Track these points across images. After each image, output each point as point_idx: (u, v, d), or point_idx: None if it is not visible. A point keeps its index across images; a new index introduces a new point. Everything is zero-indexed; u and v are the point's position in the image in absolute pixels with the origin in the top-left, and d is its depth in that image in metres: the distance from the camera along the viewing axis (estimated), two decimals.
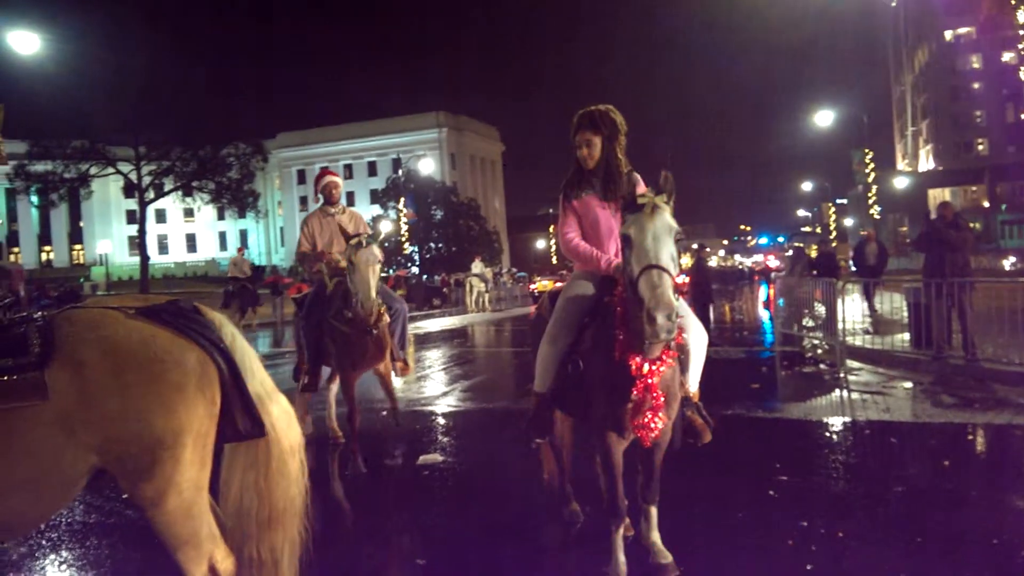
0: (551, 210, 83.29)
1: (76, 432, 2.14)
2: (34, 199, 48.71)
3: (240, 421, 2.39)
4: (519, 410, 8.11)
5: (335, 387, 6.55)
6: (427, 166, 58.98)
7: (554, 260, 71.41)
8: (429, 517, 4.52)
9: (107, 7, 42.21)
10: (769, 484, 4.83)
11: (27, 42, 18.43)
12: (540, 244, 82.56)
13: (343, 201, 6.76)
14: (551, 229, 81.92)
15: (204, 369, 2.30)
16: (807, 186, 66.45)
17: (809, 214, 72.03)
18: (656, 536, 3.57)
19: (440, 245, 57.77)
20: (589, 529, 4.08)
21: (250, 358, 2.48)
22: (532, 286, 36.95)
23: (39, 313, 2.31)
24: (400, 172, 52.29)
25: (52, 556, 4.13)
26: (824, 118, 34.78)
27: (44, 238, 70.87)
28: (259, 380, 2.49)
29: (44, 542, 4.28)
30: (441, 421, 7.48)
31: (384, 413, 5.97)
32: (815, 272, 13.81)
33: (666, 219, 2.96)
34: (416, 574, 3.77)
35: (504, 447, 6.32)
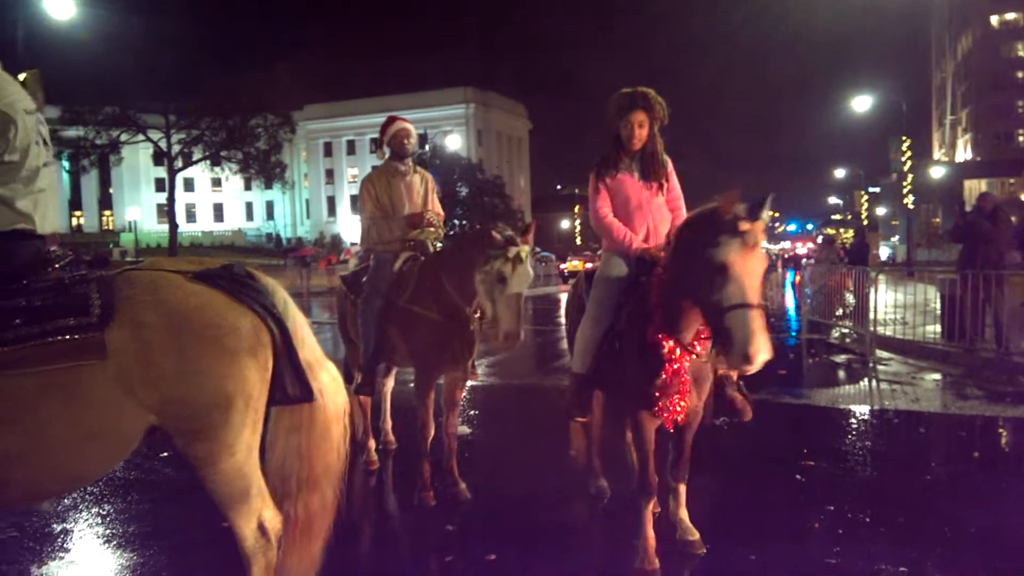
0: (576, 190, 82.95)
1: (135, 391, 2.21)
2: (65, 164, 49.38)
3: (290, 386, 2.45)
4: (543, 387, 8.20)
5: (391, 382, 5.53)
6: (454, 142, 58.75)
7: (578, 240, 71.22)
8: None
9: None
10: (796, 469, 4.85)
11: (62, 7, 18.60)
12: (564, 224, 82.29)
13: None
14: (576, 209, 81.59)
15: (257, 334, 2.36)
16: (839, 173, 65.38)
17: (840, 202, 70.88)
18: (684, 513, 3.63)
19: (464, 222, 57.79)
20: (616, 504, 4.14)
21: (301, 325, 2.53)
22: (563, 266, 36.95)
23: (98, 273, 2.38)
24: (427, 147, 52.22)
25: (95, 509, 4.28)
26: (861, 104, 34.09)
27: (75, 203, 71.76)
28: (309, 347, 2.54)
29: (88, 496, 4.43)
30: (466, 395, 7.56)
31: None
32: (846, 260, 13.67)
33: (763, 252, 2.90)
34: (447, 541, 3.85)
35: (529, 422, 6.39)
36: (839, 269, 12.48)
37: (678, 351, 3.19)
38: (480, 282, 3.91)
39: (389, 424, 5.49)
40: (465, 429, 5.99)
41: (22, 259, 2.33)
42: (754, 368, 2.77)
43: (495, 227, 4.01)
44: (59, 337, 2.16)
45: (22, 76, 2.52)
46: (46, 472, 2.23)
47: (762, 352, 2.72)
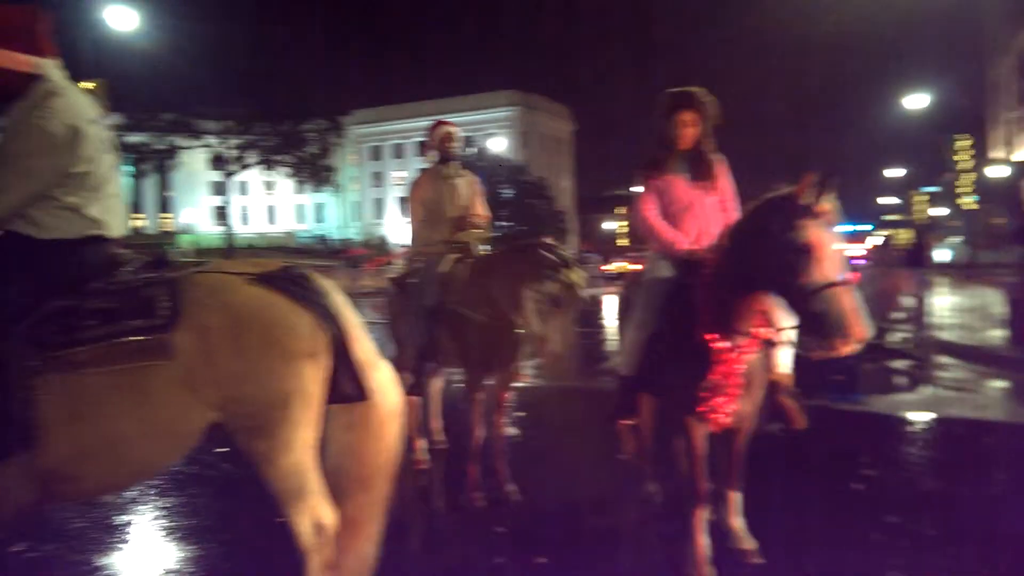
0: (619, 191, 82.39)
1: (199, 390, 2.29)
2: (127, 169, 51.16)
3: (345, 385, 2.50)
4: (589, 388, 8.15)
5: (439, 383, 5.54)
6: (498, 144, 58.98)
7: (620, 242, 70.71)
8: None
9: None
10: (854, 478, 4.73)
11: (126, 19, 19.27)
12: (609, 225, 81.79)
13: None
14: (620, 211, 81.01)
15: (315, 335, 2.41)
16: (893, 173, 63.47)
17: (897, 202, 68.79)
18: (738, 521, 3.57)
19: (510, 224, 57.91)
20: (667, 509, 4.09)
21: (356, 325, 2.57)
22: (605, 267, 36.89)
23: (166, 275, 2.46)
24: (472, 150, 52.54)
25: (157, 502, 4.43)
26: (915, 102, 33.06)
27: (135, 206, 74.20)
28: (364, 346, 2.58)
29: (150, 489, 4.58)
30: (513, 396, 7.56)
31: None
32: (903, 262, 13.27)
33: (837, 233, 2.87)
34: (496, 542, 3.86)
35: (575, 424, 6.37)
36: (896, 271, 12.12)
37: (729, 352, 3.14)
38: (530, 299, 3.92)
39: (437, 424, 5.54)
40: (513, 430, 6.00)
41: (95, 263, 2.43)
42: (854, 347, 2.72)
43: (552, 245, 4.02)
44: (129, 338, 2.25)
45: (90, 85, 2.63)
46: (116, 466, 2.32)
47: (862, 328, 2.69)
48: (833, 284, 2.73)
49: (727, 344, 3.13)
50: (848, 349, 2.74)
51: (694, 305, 3.26)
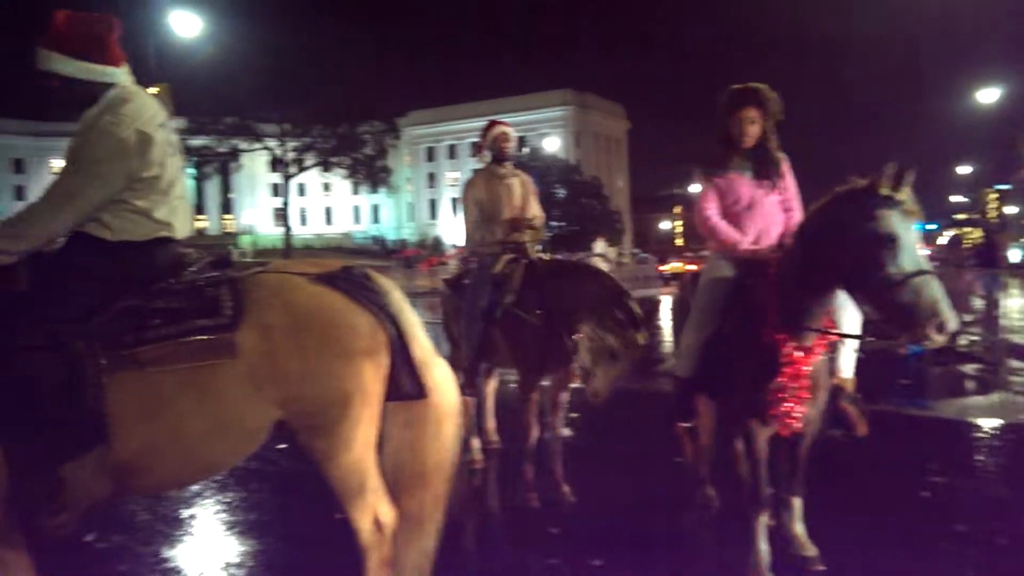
0: (675, 190, 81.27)
1: (262, 388, 2.34)
2: (191, 171, 52.94)
3: (404, 383, 2.51)
4: (644, 390, 8.05)
5: (493, 382, 5.60)
6: (552, 144, 58.86)
7: (677, 241, 69.78)
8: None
9: None
10: (921, 485, 4.55)
11: (189, 25, 19.90)
12: (664, 225, 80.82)
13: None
14: (676, 210, 79.95)
15: (375, 334, 2.43)
16: (963, 170, 60.92)
17: (966, 200, 66.03)
18: (800, 528, 3.47)
19: (562, 224, 57.75)
20: (725, 514, 4.01)
21: (414, 324, 2.59)
22: (662, 267, 36.52)
23: (230, 274, 2.51)
24: (525, 150, 52.62)
25: (219, 497, 4.56)
26: (987, 96, 31.67)
27: (198, 208, 76.64)
28: (422, 345, 2.60)
29: (212, 484, 4.71)
30: (566, 397, 7.52)
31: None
32: (974, 262, 12.74)
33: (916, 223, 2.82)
34: (551, 544, 3.84)
35: (630, 426, 6.29)
36: (966, 272, 11.63)
37: (797, 353, 3.06)
38: (588, 338, 3.86)
39: (492, 424, 5.55)
40: (567, 432, 5.97)
41: (162, 264, 2.50)
42: (944, 339, 2.66)
43: (630, 300, 3.95)
44: (194, 337, 2.30)
45: (154, 90, 2.69)
46: (183, 462, 2.39)
47: (952, 318, 2.64)
48: (922, 272, 2.66)
49: (795, 345, 3.05)
50: (940, 338, 2.67)
51: (759, 306, 3.19)
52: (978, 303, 10.58)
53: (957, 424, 6.31)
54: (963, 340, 10.59)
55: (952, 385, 8.23)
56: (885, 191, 2.75)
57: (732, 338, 3.36)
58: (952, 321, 2.64)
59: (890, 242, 2.69)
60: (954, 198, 69.53)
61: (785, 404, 3.12)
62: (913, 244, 2.71)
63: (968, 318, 10.90)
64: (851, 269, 2.81)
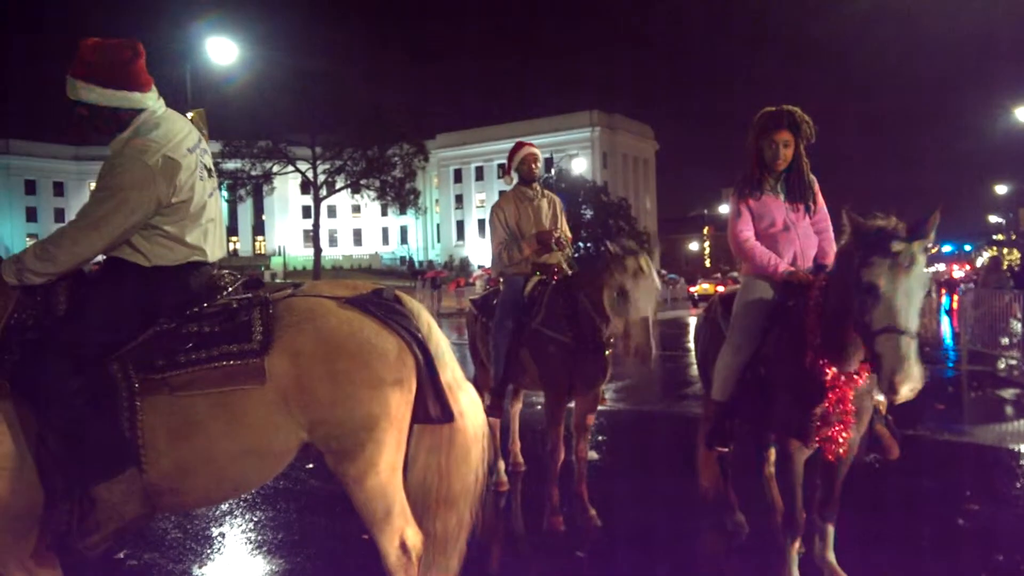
0: (705, 211, 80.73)
1: (291, 412, 2.37)
2: (224, 194, 53.97)
3: (431, 407, 2.52)
4: (672, 413, 7.98)
5: (519, 404, 5.61)
6: (579, 165, 58.96)
7: (707, 263, 69.17)
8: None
9: (289, 16, 46.18)
10: (958, 512, 4.43)
11: (225, 50, 20.38)
12: (693, 246, 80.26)
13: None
14: (705, 231, 79.36)
15: (403, 358, 2.45)
16: (1001, 189, 59.72)
17: (1003, 220, 64.63)
18: (832, 556, 3.40)
19: (589, 245, 57.67)
20: (755, 542, 3.94)
21: (443, 348, 2.60)
22: (692, 289, 36.26)
23: (262, 296, 2.54)
24: (552, 171, 52.77)
25: (248, 515, 4.59)
26: None
27: (231, 230, 78.02)
28: (450, 369, 2.61)
29: (242, 503, 4.75)
30: (593, 420, 7.48)
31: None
32: (1012, 283, 12.44)
33: (922, 273, 2.70)
34: (577, 568, 3.80)
35: (658, 449, 6.23)
36: (1005, 294, 11.36)
37: (841, 378, 3.01)
38: (608, 298, 4.06)
39: (518, 446, 5.54)
40: (593, 455, 5.93)
41: (194, 288, 2.53)
42: (901, 399, 2.60)
43: (615, 242, 4.19)
44: (225, 363, 2.34)
45: (190, 115, 2.72)
46: (213, 482, 2.42)
47: (909, 381, 2.56)
48: (891, 329, 2.59)
49: (840, 370, 3.00)
50: (894, 400, 2.64)
51: (801, 329, 3.14)
52: (1017, 326, 10.32)
53: (995, 450, 6.15)
54: (1001, 364, 10.34)
55: (990, 410, 8.01)
56: (882, 237, 2.68)
57: (774, 360, 3.32)
58: (906, 386, 2.55)
59: (871, 292, 2.65)
60: (992, 217, 68.14)
61: (832, 429, 3.07)
62: (896, 298, 2.62)
63: (1006, 341, 10.65)
64: (849, 309, 2.79)
